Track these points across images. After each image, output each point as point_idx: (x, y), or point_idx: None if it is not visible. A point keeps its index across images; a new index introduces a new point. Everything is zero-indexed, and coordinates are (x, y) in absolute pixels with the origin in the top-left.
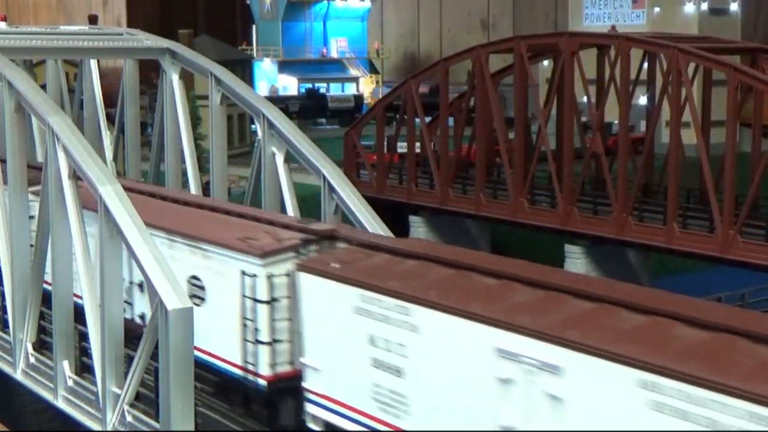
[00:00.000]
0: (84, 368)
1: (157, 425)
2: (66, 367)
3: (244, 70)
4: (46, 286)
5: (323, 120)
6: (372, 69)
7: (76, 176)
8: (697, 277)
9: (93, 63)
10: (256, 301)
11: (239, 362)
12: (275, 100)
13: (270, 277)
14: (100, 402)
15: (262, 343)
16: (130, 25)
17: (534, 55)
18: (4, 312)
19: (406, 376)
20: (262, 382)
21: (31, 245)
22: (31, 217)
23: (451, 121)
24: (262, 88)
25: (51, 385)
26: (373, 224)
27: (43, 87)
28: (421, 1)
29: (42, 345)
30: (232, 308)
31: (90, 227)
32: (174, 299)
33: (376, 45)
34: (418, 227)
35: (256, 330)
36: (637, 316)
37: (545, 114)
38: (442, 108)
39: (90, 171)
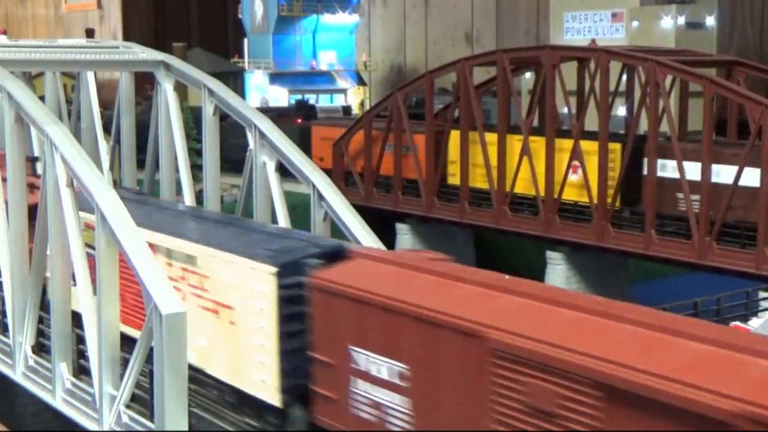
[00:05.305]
0: (81, 370)
1: (152, 425)
2: (64, 369)
3: (236, 81)
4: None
5: None
6: (360, 81)
7: (74, 184)
8: (676, 281)
9: (90, 75)
10: None
11: None
12: (266, 110)
13: None
14: (97, 403)
15: None
16: (125, 38)
17: (516, 67)
18: (4, 316)
19: None
20: None
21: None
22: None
23: None
24: (254, 99)
25: (49, 387)
26: (361, 231)
27: (42, 98)
28: (407, 16)
29: (41, 348)
30: None
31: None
32: (168, 304)
33: (364, 57)
34: (404, 234)
35: None
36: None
37: (527, 124)
38: (427, 119)
39: (87, 179)
